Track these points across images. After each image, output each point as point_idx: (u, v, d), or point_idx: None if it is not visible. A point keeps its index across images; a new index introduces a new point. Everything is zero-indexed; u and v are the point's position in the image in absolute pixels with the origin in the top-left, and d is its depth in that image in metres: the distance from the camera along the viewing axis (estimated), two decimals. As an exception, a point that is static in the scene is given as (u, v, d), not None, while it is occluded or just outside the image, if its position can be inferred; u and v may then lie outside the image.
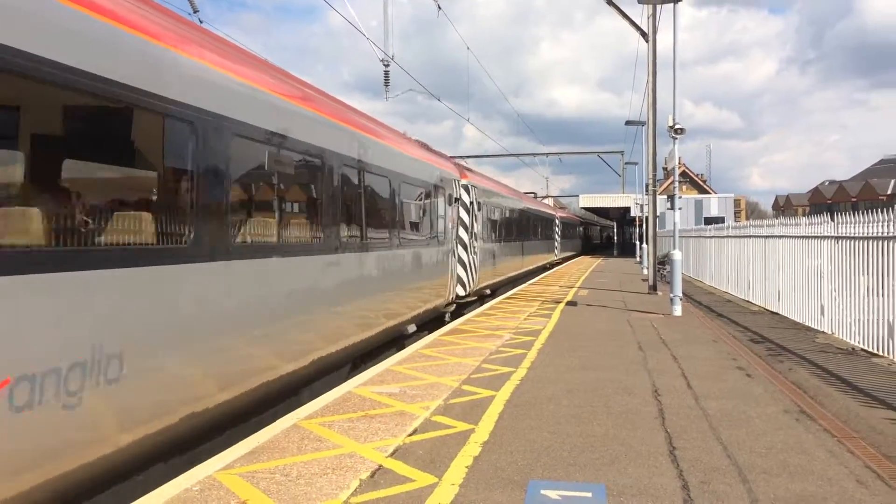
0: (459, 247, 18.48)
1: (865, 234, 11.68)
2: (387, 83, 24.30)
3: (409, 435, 6.63)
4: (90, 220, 5.04)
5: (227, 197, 6.72)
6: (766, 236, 17.99)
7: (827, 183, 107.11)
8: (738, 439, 6.52)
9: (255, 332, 7.26)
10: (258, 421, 7.60)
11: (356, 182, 10.66)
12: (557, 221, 48.68)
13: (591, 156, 73.74)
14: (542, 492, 5.20)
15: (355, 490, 5.22)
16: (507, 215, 27.38)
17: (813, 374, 9.57)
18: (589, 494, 5.15)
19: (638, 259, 45.11)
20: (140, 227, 5.58)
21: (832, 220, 13.39)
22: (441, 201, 16.45)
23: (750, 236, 19.85)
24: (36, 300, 4.43)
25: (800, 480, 5.46)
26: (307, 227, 8.96)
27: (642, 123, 35.53)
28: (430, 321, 15.83)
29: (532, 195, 48.81)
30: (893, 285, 10.50)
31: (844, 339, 12.35)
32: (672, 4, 18.24)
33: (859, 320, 11.82)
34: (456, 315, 17.79)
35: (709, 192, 72.82)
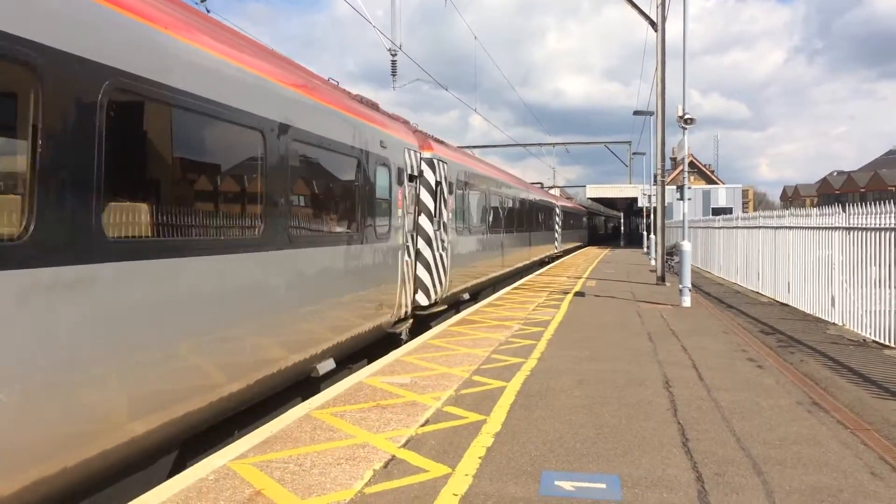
0: (421, 241, 13.85)
1: (877, 226, 11.62)
2: (394, 73, 24.23)
3: (422, 425, 6.64)
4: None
5: None
6: (776, 227, 17.91)
7: (835, 174, 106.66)
8: (751, 431, 6.50)
9: None
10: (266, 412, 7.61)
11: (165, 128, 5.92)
12: (558, 210, 43.94)
13: (598, 146, 73.56)
14: (556, 482, 5.20)
15: (369, 480, 5.22)
16: (494, 201, 22.55)
17: (824, 366, 9.54)
18: (603, 485, 5.15)
19: (645, 250, 45.01)
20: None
21: (843, 210, 13.32)
22: (384, 178, 11.30)
23: (760, 227, 19.76)
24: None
25: (814, 472, 5.44)
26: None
27: (650, 113, 35.38)
28: (377, 344, 11.40)
29: (539, 185, 48.10)
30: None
31: (856, 330, 12.30)
32: (682, -7, 18.09)
33: (870, 312, 11.76)
34: (417, 332, 13.08)
35: (716, 183, 72.54)
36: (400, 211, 12.18)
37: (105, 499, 5.18)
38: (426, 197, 14.11)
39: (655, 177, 25.32)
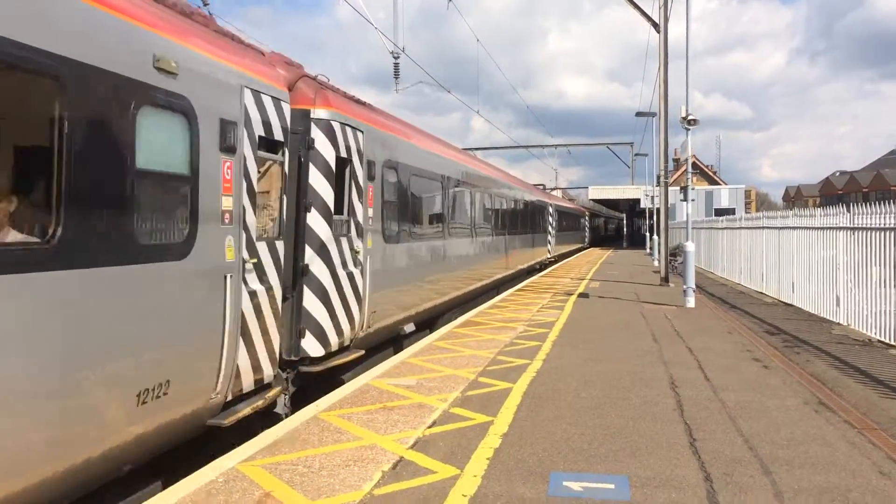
0: (309, 252, 8.96)
1: (880, 225, 11.62)
2: (396, 75, 24.26)
3: (429, 427, 6.65)
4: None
5: None
6: (780, 227, 17.90)
7: (838, 174, 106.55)
8: (759, 431, 6.50)
9: None
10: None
11: None
12: (552, 210, 38.56)
13: (601, 147, 73.66)
14: (565, 483, 5.21)
15: (378, 481, 5.24)
16: (456, 195, 16.43)
17: (831, 366, 9.54)
18: (612, 486, 5.15)
19: (648, 251, 44.97)
20: None
21: (847, 211, 13.32)
22: (171, 136, 6.03)
23: (763, 227, 19.76)
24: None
25: (822, 472, 5.45)
26: None
27: (653, 114, 35.40)
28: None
29: (540, 186, 47.60)
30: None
31: (861, 330, 12.29)
32: (684, -6, 18.11)
33: (875, 312, 11.76)
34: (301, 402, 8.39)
35: (719, 184, 72.52)
36: (225, 201, 6.68)
37: (114, 498, 5.20)
38: (319, 181, 8.97)
39: (658, 178, 25.35)
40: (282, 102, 7.95)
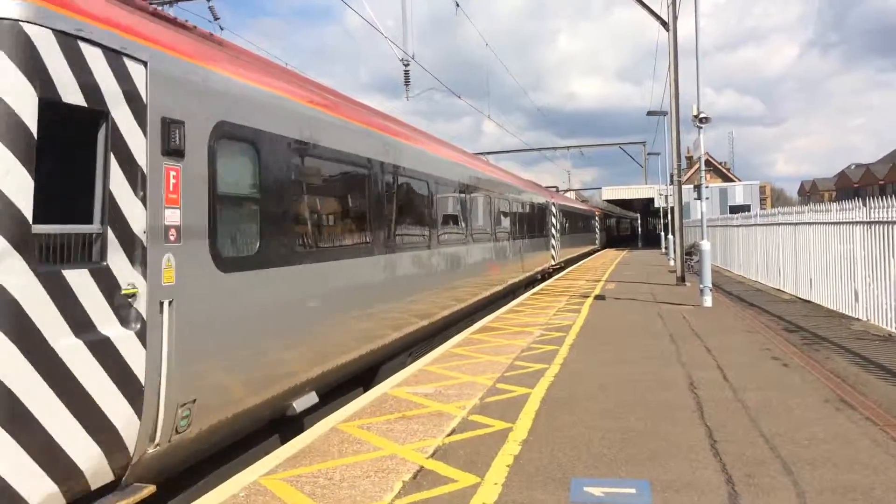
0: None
1: (899, 218, 11.52)
2: (407, 82, 24.34)
3: (448, 435, 6.66)
4: None
5: None
6: (796, 223, 17.78)
7: (853, 166, 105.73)
8: (780, 431, 6.47)
9: None
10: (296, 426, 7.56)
11: None
12: (555, 210, 33.34)
13: (613, 147, 73.52)
14: (586, 489, 5.21)
15: (399, 492, 5.25)
16: (397, 188, 11.30)
17: (851, 362, 9.46)
18: (633, 490, 5.15)
19: (663, 250, 44.76)
20: None
21: (863, 204, 13.22)
22: None
23: (779, 223, 19.63)
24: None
25: (845, 471, 5.41)
26: None
27: (664, 113, 35.31)
28: None
29: (553, 189, 47.10)
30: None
31: (881, 325, 12.18)
32: (692, -7, 18.06)
33: (895, 306, 11.65)
34: None
35: (732, 180, 72.16)
36: None
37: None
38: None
39: (672, 176, 25.26)
40: None
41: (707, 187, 18.72)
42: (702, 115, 17.73)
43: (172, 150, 5.61)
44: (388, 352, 10.54)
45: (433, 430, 6.86)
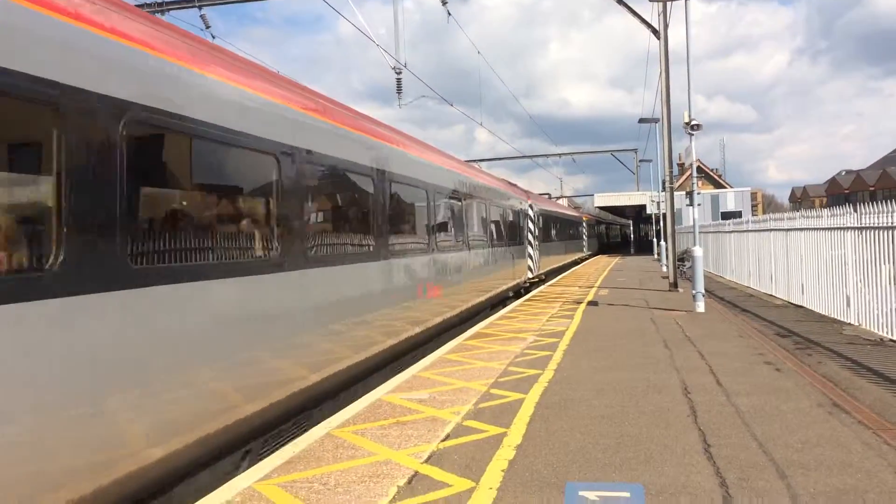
0: None
1: (889, 224, 11.60)
2: (399, 90, 24.39)
3: (443, 440, 6.66)
4: None
5: None
6: (788, 229, 17.88)
7: (844, 173, 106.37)
8: (773, 435, 6.49)
9: None
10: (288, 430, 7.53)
11: None
12: (532, 214, 28.67)
13: (605, 154, 73.53)
14: (580, 493, 5.21)
15: (394, 497, 5.25)
16: (306, 181, 8.06)
17: (843, 367, 9.51)
18: (627, 494, 5.16)
19: (656, 256, 44.87)
20: None
21: (854, 210, 13.31)
22: None
23: (771, 230, 19.73)
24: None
25: (838, 474, 5.44)
26: None
27: (656, 120, 35.42)
28: None
29: (546, 196, 46.71)
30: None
31: (872, 329, 12.24)
32: (683, 0, 18.21)
33: (886, 311, 11.72)
34: None
35: (724, 187, 72.42)
36: None
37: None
38: None
39: (664, 183, 25.35)
40: None
41: (699, 194, 18.84)
42: (693, 122, 17.86)
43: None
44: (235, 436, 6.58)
45: (428, 435, 6.86)
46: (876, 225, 12.12)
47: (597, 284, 26.28)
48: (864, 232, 12.70)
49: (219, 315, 6.26)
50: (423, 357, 11.64)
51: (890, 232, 11.52)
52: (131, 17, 5.61)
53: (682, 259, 27.05)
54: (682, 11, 18.27)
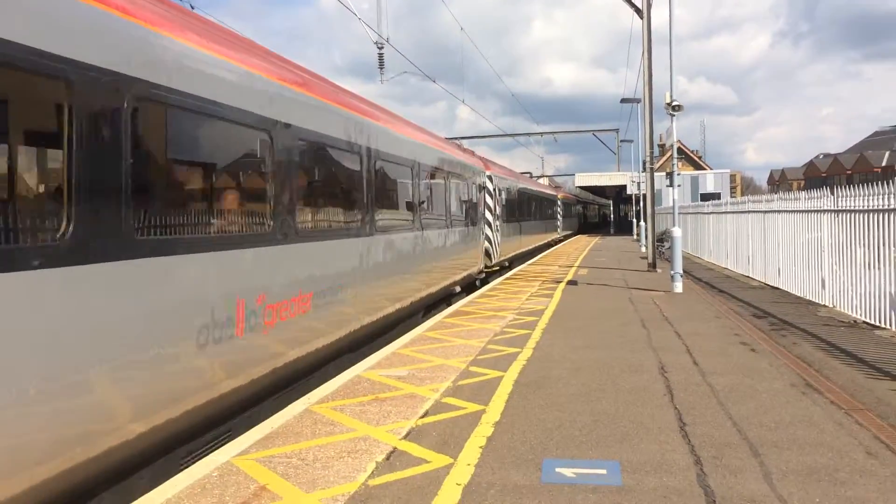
0: None
1: (864, 207, 11.73)
2: (381, 66, 24.19)
3: (421, 417, 6.69)
4: None
5: None
6: (765, 211, 18.04)
7: (822, 156, 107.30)
8: (747, 414, 6.58)
9: None
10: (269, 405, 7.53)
11: None
12: (490, 186, 23.35)
13: (587, 134, 73.73)
14: (557, 470, 5.26)
15: (372, 472, 5.27)
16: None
17: (817, 348, 9.65)
18: (604, 471, 5.21)
19: (635, 237, 45.13)
20: None
21: (831, 193, 13.44)
22: None
23: (748, 211, 19.89)
24: None
25: (810, 453, 5.53)
26: None
27: (637, 101, 35.51)
28: None
29: (528, 174, 46.14)
30: (893, 257, 10.59)
31: (846, 311, 12.43)
32: (667, -20, 18.14)
33: (860, 293, 11.89)
34: None
35: (704, 169, 72.85)
36: None
37: (111, 497, 5.21)
38: None
39: (644, 164, 25.44)
40: None
41: (679, 175, 18.90)
42: (674, 103, 17.89)
43: None
44: None
45: (406, 411, 6.88)
46: (852, 208, 12.26)
47: (576, 264, 26.40)
48: (840, 215, 12.84)
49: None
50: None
51: (865, 215, 11.66)
52: None
53: (662, 240, 27.27)
54: (667, -9, 18.20)
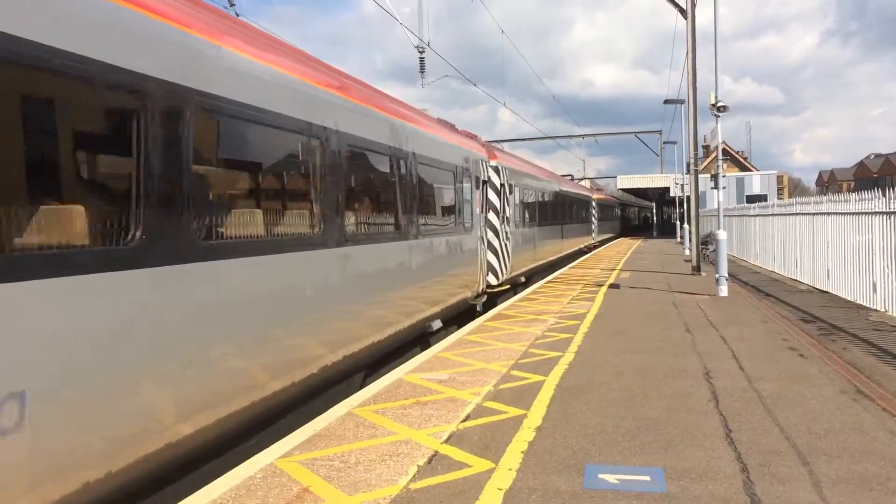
0: None
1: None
2: (422, 70, 24.30)
3: (462, 421, 6.69)
4: None
5: None
6: (814, 213, 17.65)
7: (872, 156, 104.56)
8: (795, 421, 6.44)
9: None
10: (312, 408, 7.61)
11: None
12: (498, 181, 17.79)
13: (629, 136, 73.09)
14: (600, 475, 5.21)
15: (414, 476, 5.29)
16: None
17: (868, 353, 9.40)
18: (647, 478, 5.15)
19: (679, 240, 44.52)
20: None
21: (883, 195, 13.09)
22: None
23: (797, 214, 19.49)
24: None
25: (861, 461, 5.39)
26: None
27: (681, 102, 35.03)
28: None
29: (569, 177, 45.65)
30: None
31: (898, 316, 12.10)
32: (711, -21, 17.91)
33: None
34: None
35: (749, 170, 71.61)
36: None
37: (158, 499, 5.31)
38: None
39: (688, 165, 25.10)
40: None
41: (724, 176, 18.59)
42: (720, 104, 17.60)
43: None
44: None
45: (448, 415, 6.89)
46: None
47: (618, 267, 26.15)
48: (892, 217, 12.50)
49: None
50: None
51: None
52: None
53: (706, 242, 26.83)
54: (711, -9, 17.95)
